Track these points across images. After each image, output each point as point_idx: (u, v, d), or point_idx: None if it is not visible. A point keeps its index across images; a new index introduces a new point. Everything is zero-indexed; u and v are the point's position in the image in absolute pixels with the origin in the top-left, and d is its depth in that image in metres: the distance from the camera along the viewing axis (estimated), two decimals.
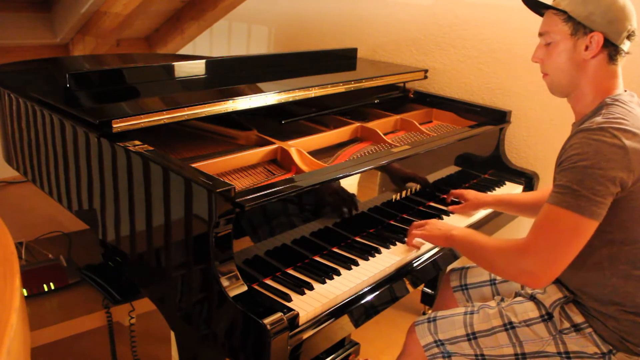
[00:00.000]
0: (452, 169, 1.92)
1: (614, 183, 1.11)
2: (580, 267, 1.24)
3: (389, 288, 1.38)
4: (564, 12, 1.23)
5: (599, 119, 1.17)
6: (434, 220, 1.52)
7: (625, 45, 1.23)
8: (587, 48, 1.22)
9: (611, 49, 1.22)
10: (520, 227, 2.17)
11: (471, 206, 1.75)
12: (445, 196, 1.85)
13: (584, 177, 1.11)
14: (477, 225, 1.75)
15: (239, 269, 1.18)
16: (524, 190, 2.04)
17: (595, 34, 1.21)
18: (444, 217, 1.72)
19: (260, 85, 1.79)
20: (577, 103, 1.30)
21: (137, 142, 1.34)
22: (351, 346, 1.71)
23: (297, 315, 1.15)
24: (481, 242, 1.31)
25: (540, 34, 1.31)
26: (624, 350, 1.23)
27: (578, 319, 1.27)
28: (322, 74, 2.09)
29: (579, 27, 1.22)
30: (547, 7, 1.28)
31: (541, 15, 1.33)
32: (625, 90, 1.27)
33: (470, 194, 1.77)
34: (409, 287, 1.46)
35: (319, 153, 1.73)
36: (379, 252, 1.47)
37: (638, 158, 1.12)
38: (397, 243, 1.52)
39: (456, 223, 1.70)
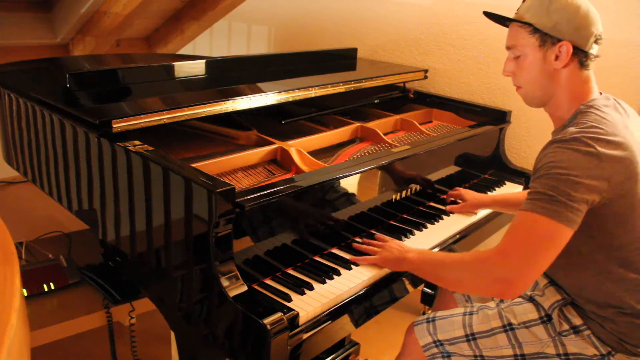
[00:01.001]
0: (452, 169, 1.92)
1: (590, 191, 1.09)
2: (576, 272, 1.24)
3: (389, 288, 1.38)
4: (529, 25, 1.23)
5: (572, 129, 1.15)
6: (390, 243, 1.42)
7: (594, 50, 1.22)
8: (557, 58, 1.21)
9: (581, 56, 1.22)
10: None
11: (469, 206, 1.75)
12: (444, 196, 1.85)
13: (558, 184, 1.09)
14: (477, 226, 1.75)
15: (239, 269, 1.18)
16: (524, 190, 2.04)
17: (563, 43, 1.20)
18: (444, 217, 1.72)
19: (260, 85, 1.79)
20: (554, 112, 1.30)
21: (137, 142, 1.34)
22: (351, 346, 1.71)
23: (297, 315, 1.15)
24: (443, 259, 1.26)
25: (508, 48, 1.29)
26: (623, 351, 1.23)
27: (576, 321, 1.27)
28: (322, 74, 2.09)
29: (546, 38, 1.21)
30: (511, 20, 1.27)
31: (506, 26, 1.32)
32: (601, 93, 1.27)
33: (469, 194, 1.77)
34: (409, 287, 1.46)
35: (319, 153, 1.73)
36: None
37: (613, 165, 1.11)
38: None
39: (456, 223, 1.70)
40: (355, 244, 1.47)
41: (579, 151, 1.10)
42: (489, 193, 1.93)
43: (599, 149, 1.10)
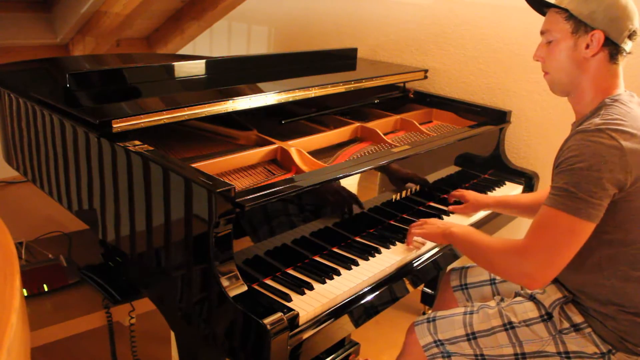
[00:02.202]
0: (452, 169, 1.92)
1: (612, 185, 1.11)
2: (579, 268, 1.24)
3: (389, 288, 1.38)
4: (566, 10, 1.23)
5: (597, 120, 1.17)
6: (432, 219, 1.52)
7: (627, 45, 1.23)
8: (587, 46, 1.22)
9: (612, 48, 1.22)
10: (522, 227, 2.17)
11: (471, 207, 1.75)
12: (445, 196, 1.85)
13: (581, 180, 1.11)
14: (477, 225, 1.75)
15: (239, 269, 1.18)
16: (524, 190, 2.04)
17: (596, 32, 1.20)
18: (444, 217, 1.72)
19: (260, 85, 1.79)
20: (577, 102, 1.30)
21: (137, 142, 1.34)
22: (351, 346, 1.71)
23: (297, 315, 1.15)
24: (480, 241, 1.31)
25: (542, 33, 1.31)
26: (623, 350, 1.23)
27: (577, 319, 1.27)
28: (322, 74, 2.09)
29: (580, 25, 1.22)
30: (550, 5, 1.29)
31: (544, 14, 1.33)
32: (626, 90, 1.27)
33: (471, 194, 1.77)
34: (409, 287, 1.46)
35: (319, 153, 1.73)
36: (379, 252, 1.47)
37: (635, 159, 1.12)
38: (397, 243, 1.52)
39: (458, 222, 1.70)
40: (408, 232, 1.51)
41: (603, 144, 1.11)
42: (489, 193, 1.93)
43: (622, 142, 1.11)
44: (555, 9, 1.27)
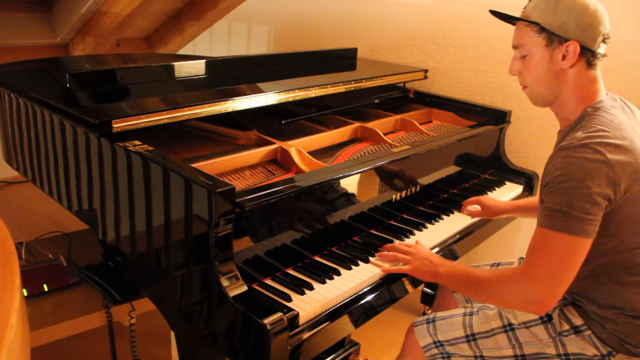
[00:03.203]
0: (452, 169, 1.92)
1: (602, 198, 1.10)
2: (577, 277, 1.24)
3: (389, 288, 1.38)
4: (536, 24, 1.22)
5: (580, 134, 1.14)
6: (419, 249, 1.41)
7: (602, 49, 1.21)
8: (564, 57, 1.20)
9: (589, 55, 1.20)
10: (522, 226, 2.17)
11: (490, 213, 1.72)
12: (445, 196, 1.85)
13: (571, 198, 1.09)
14: (477, 226, 1.75)
15: (239, 269, 1.18)
16: (524, 190, 2.04)
17: (571, 43, 1.19)
18: (444, 217, 1.72)
19: (260, 85, 1.79)
20: (560, 112, 1.29)
21: (137, 142, 1.34)
22: (351, 346, 1.71)
23: (297, 315, 1.15)
24: (474, 277, 1.26)
25: (515, 47, 1.28)
26: (624, 352, 1.23)
27: (577, 321, 1.27)
28: (322, 74, 2.09)
29: (553, 38, 1.20)
30: (518, 19, 1.26)
31: (513, 24, 1.30)
32: (607, 94, 1.26)
33: (488, 200, 1.73)
34: (409, 287, 1.46)
35: (319, 153, 1.73)
36: (379, 252, 1.46)
37: (622, 170, 1.11)
38: (397, 243, 1.51)
39: (456, 223, 1.70)
40: (380, 253, 1.43)
41: (588, 159, 1.10)
42: (489, 193, 1.93)
43: (608, 155, 1.10)
44: (524, 22, 1.24)
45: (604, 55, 1.23)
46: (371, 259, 1.42)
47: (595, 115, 1.19)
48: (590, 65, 1.22)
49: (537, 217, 1.17)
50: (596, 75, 1.24)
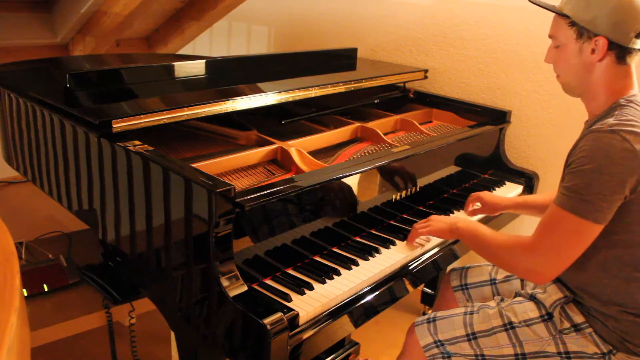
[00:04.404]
0: (452, 169, 1.92)
1: (623, 187, 1.11)
2: (584, 267, 1.24)
3: (389, 288, 1.38)
4: (568, 17, 1.23)
5: (610, 120, 1.16)
6: (437, 216, 1.52)
7: (636, 44, 1.20)
8: (593, 51, 1.21)
9: (618, 50, 1.20)
10: (524, 224, 2.17)
11: (489, 209, 1.72)
12: (446, 196, 1.84)
13: (591, 182, 1.11)
14: (481, 222, 1.74)
15: (239, 269, 1.18)
16: (524, 190, 2.04)
17: (599, 38, 1.19)
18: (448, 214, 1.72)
19: (260, 85, 1.79)
20: (589, 103, 1.30)
21: (137, 142, 1.34)
22: (351, 346, 1.71)
23: (297, 315, 1.15)
24: (487, 236, 1.32)
25: (550, 36, 1.31)
26: (624, 350, 1.23)
27: (578, 319, 1.27)
28: (322, 74, 2.09)
29: (583, 31, 1.21)
30: (552, 10, 1.28)
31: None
32: None
33: (487, 196, 1.73)
34: (409, 287, 1.46)
35: (319, 153, 1.73)
36: (379, 252, 1.47)
37: None
38: (397, 243, 1.52)
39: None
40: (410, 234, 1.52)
41: (615, 146, 1.11)
42: (492, 192, 1.93)
43: (635, 144, 1.11)
44: (558, 14, 1.26)
45: (639, 50, 1.22)
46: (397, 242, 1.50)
47: (628, 106, 1.20)
48: (620, 60, 1.22)
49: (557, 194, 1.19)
50: (629, 70, 1.24)
